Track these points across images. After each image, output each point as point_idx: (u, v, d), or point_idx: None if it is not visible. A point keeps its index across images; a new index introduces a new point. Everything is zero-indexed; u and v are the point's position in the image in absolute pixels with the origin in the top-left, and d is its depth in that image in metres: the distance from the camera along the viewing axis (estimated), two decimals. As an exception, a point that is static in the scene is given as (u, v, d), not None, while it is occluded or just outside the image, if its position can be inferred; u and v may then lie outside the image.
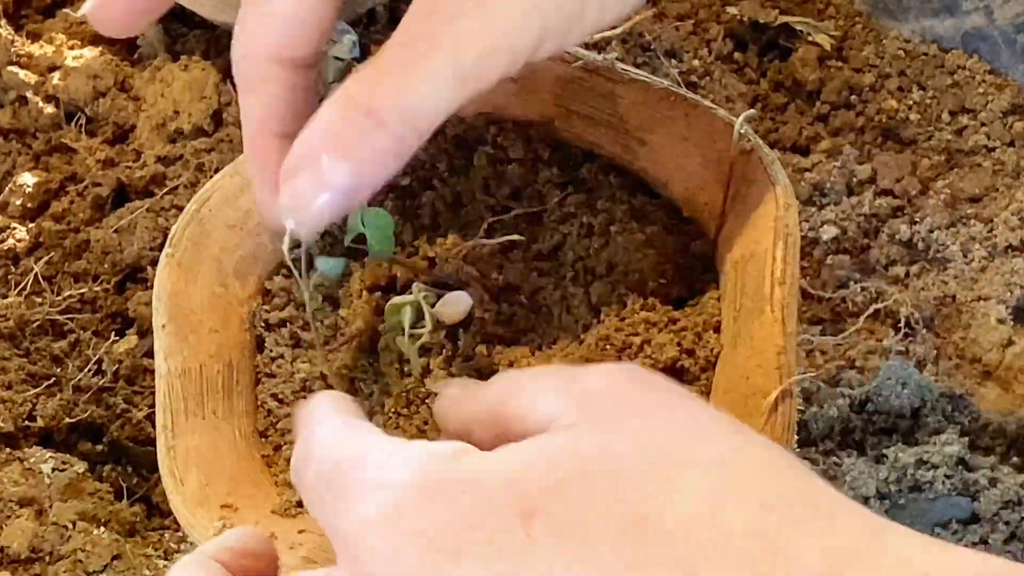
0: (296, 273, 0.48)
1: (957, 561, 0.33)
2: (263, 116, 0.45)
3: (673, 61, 0.74)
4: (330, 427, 0.40)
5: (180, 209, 0.64)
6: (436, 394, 0.50)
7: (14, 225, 0.71)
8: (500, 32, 0.43)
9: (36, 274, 0.68)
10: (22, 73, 0.75)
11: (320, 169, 0.42)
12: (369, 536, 0.36)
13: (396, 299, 0.49)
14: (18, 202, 0.71)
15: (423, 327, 0.49)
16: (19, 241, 0.70)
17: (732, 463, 0.36)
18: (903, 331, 0.64)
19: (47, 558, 0.58)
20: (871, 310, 0.64)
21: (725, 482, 0.35)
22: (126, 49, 0.78)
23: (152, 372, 0.55)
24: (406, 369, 0.52)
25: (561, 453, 0.36)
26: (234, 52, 0.47)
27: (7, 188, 0.72)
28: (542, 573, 0.33)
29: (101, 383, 0.65)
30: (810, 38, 0.74)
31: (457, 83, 0.43)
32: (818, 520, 0.34)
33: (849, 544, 0.34)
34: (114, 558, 0.58)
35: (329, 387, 0.53)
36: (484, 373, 0.51)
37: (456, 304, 0.49)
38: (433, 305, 0.50)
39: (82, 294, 0.68)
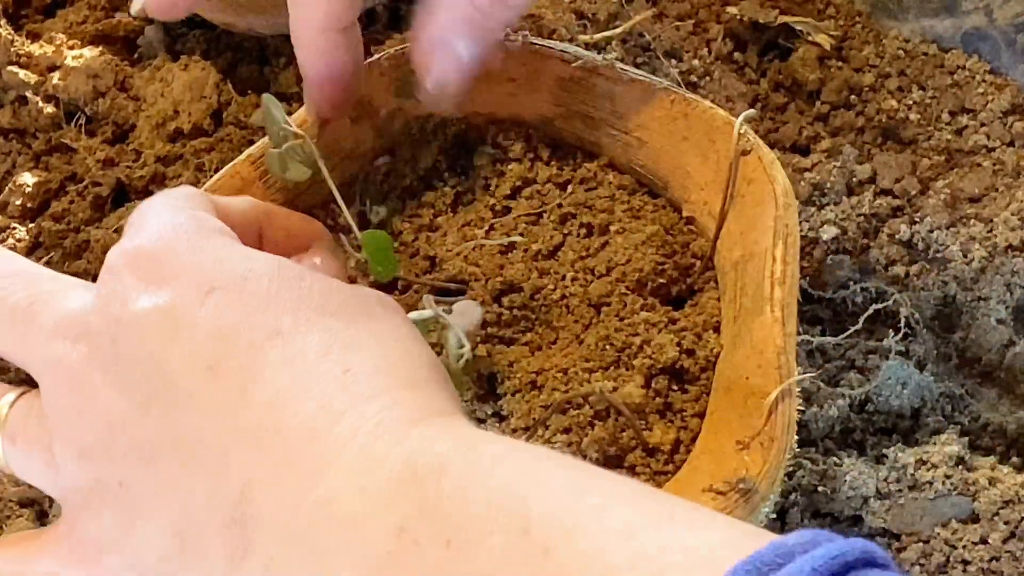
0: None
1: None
2: (333, 13, 0.53)
3: (673, 61, 0.74)
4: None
5: (180, 209, 0.64)
6: (461, 388, 0.51)
7: (14, 225, 0.71)
8: None
9: (36, 274, 0.68)
10: (22, 73, 0.75)
11: (456, 51, 0.51)
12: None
13: (412, 315, 0.49)
14: (18, 202, 0.71)
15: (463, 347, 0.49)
16: (19, 241, 0.70)
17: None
18: (903, 331, 0.64)
19: (47, 558, 0.58)
20: (871, 310, 0.64)
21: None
22: (126, 49, 0.78)
23: (152, 372, 0.55)
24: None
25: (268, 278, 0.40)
26: (292, 26, 0.54)
27: (7, 188, 0.72)
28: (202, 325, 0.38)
29: (101, 383, 0.65)
30: (810, 38, 0.74)
31: None
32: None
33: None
34: (114, 558, 0.58)
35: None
36: (484, 373, 0.51)
37: (469, 315, 0.49)
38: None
39: (82, 294, 0.68)
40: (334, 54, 0.53)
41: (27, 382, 0.44)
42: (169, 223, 0.41)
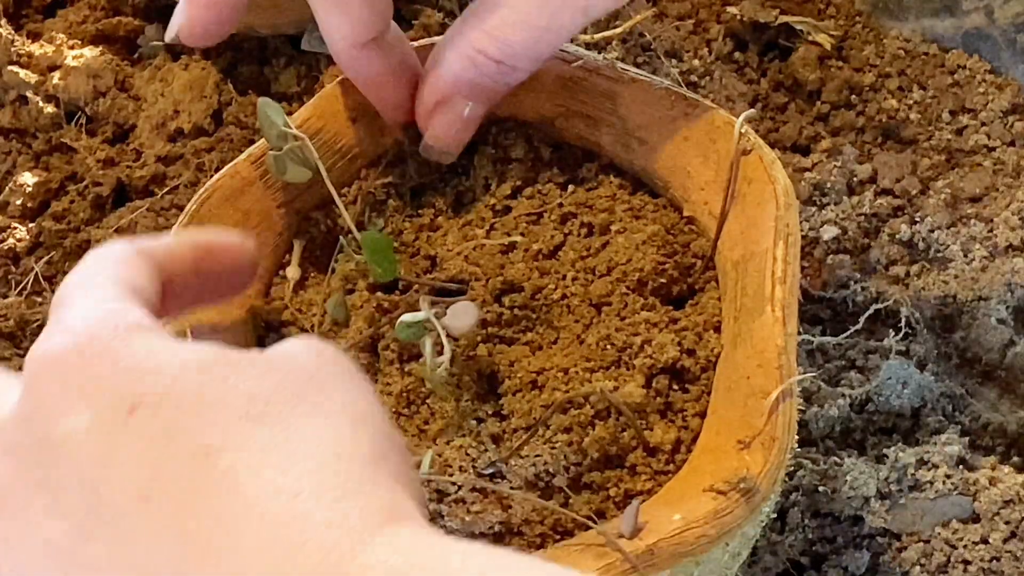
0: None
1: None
2: (356, 31, 0.53)
3: (673, 61, 0.74)
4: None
5: (180, 209, 0.64)
6: (439, 393, 0.50)
7: (14, 225, 0.71)
8: None
9: (36, 274, 0.68)
10: (22, 73, 0.75)
11: (458, 111, 0.54)
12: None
13: (406, 317, 0.49)
14: (18, 202, 0.71)
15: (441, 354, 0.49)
16: (19, 241, 0.70)
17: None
18: (903, 331, 0.64)
19: (47, 558, 0.58)
20: (871, 310, 0.64)
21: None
22: (126, 49, 0.78)
23: (152, 372, 0.55)
24: (406, 369, 0.52)
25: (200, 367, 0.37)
26: (330, 46, 0.55)
27: (7, 188, 0.72)
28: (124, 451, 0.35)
29: (101, 383, 0.65)
30: (810, 38, 0.74)
31: (582, 22, 0.53)
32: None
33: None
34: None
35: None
36: (484, 373, 0.51)
37: (465, 316, 0.49)
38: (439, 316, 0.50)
39: (82, 294, 0.68)
40: (366, 67, 0.54)
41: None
42: (86, 321, 0.38)
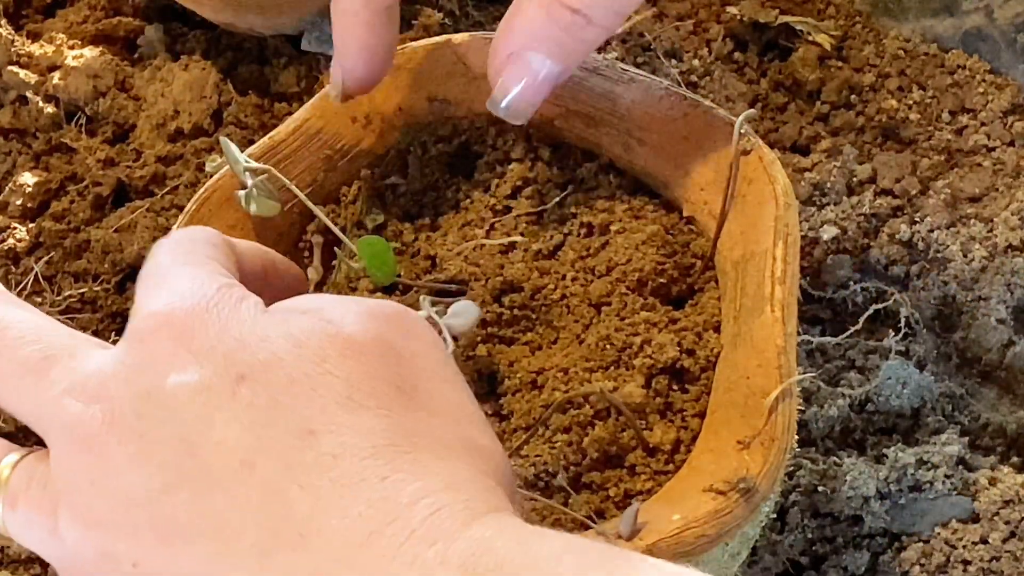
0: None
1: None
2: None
3: (673, 61, 0.74)
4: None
5: (180, 209, 0.64)
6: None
7: (14, 225, 0.71)
8: None
9: (36, 274, 0.68)
10: (22, 73, 0.75)
11: (532, 66, 0.49)
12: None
13: None
14: (18, 202, 0.71)
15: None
16: (19, 241, 0.70)
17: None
18: (903, 331, 0.64)
19: (47, 558, 0.58)
20: (871, 310, 0.64)
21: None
22: (126, 49, 0.78)
23: (152, 372, 0.55)
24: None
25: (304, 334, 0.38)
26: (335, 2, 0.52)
27: (7, 188, 0.72)
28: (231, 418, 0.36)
29: (101, 383, 0.65)
30: (810, 38, 0.74)
31: None
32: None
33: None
34: (114, 558, 0.58)
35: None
36: (484, 373, 0.51)
37: (465, 315, 0.49)
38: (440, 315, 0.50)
39: (82, 294, 0.68)
40: (374, 30, 0.52)
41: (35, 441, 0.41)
42: (195, 286, 0.39)
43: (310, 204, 0.54)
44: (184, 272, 0.40)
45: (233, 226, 0.55)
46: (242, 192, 0.53)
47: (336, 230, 0.54)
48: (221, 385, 0.36)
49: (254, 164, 0.53)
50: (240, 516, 0.35)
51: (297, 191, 0.54)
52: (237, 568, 0.35)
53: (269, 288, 0.43)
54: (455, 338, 0.50)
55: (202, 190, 0.55)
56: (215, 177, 0.55)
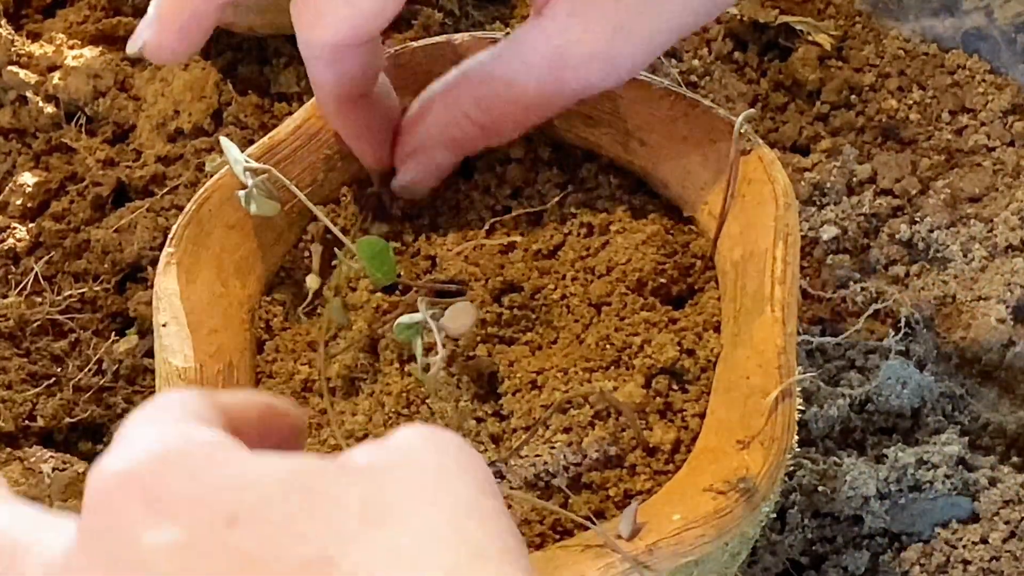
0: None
1: None
2: (344, 88, 0.53)
3: (673, 61, 0.74)
4: None
5: (180, 209, 0.64)
6: (433, 394, 0.50)
7: (14, 225, 0.71)
8: None
9: (36, 274, 0.68)
10: (22, 73, 0.75)
11: (434, 159, 0.54)
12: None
13: (404, 318, 0.49)
14: (18, 202, 0.71)
15: (434, 352, 0.49)
16: (19, 241, 0.70)
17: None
18: (903, 331, 0.64)
19: (47, 558, 0.58)
20: (871, 310, 0.64)
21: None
22: (126, 49, 0.78)
23: (152, 372, 0.55)
24: (406, 369, 0.52)
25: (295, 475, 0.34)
26: (301, 36, 0.52)
27: (7, 188, 0.72)
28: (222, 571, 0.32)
29: (101, 383, 0.65)
30: (810, 38, 0.74)
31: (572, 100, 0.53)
32: None
33: None
34: (114, 558, 0.58)
35: (331, 390, 0.52)
36: (484, 373, 0.51)
37: (463, 316, 0.49)
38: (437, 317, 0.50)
39: (82, 294, 0.68)
40: (352, 120, 0.54)
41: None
42: (163, 439, 0.35)
43: (310, 204, 0.54)
44: (149, 428, 0.36)
45: (233, 226, 0.55)
46: (242, 192, 0.53)
47: (336, 230, 0.54)
48: (210, 532, 0.32)
49: (254, 164, 0.53)
50: None
51: (297, 191, 0.54)
52: None
53: (268, 436, 0.40)
54: (454, 339, 0.50)
55: (202, 190, 0.55)
56: (215, 177, 0.55)
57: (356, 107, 0.54)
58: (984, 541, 0.59)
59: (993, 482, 0.61)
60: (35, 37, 0.78)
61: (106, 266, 0.68)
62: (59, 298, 0.67)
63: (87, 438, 0.65)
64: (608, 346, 0.51)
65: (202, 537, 0.32)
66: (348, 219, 0.57)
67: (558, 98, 0.52)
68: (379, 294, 0.54)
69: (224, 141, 0.53)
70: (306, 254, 0.56)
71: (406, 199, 0.56)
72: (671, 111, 0.56)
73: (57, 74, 0.75)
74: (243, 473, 0.34)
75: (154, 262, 0.66)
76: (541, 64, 0.51)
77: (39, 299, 0.68)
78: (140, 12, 0.78)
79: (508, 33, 0.56)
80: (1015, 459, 0.63)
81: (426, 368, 0.49)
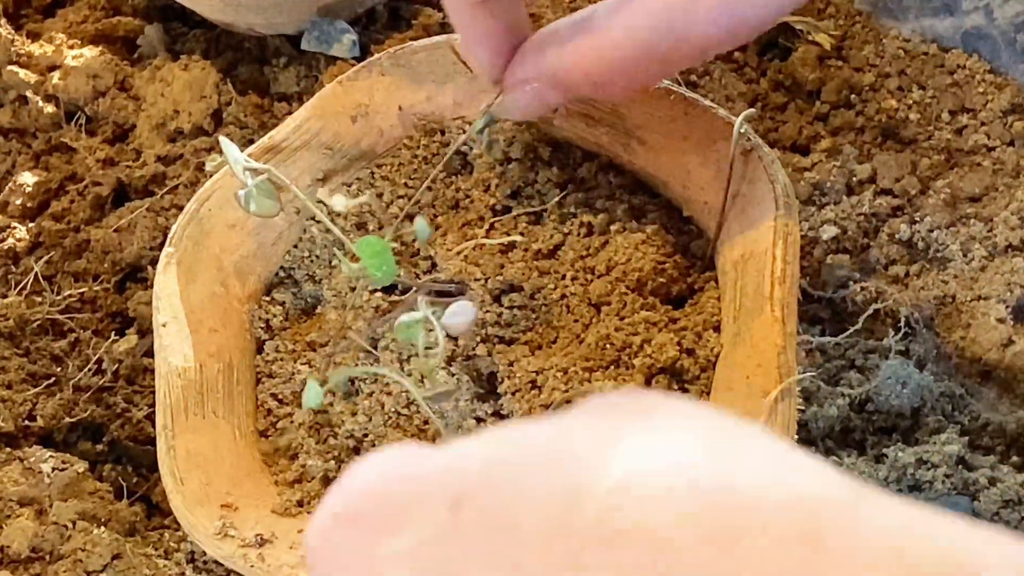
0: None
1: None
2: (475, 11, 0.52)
3: (673, 61, 0.74)
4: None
5: (180, 209, 0.64)
6: (435, 394, 0.50)
7: (14, 225, 0.71)
8: None
9: (36, 274, 0.68)
10: (22, 73, 0.75)
11: (545, 96, 0.52)
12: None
13: (404, 318, 0.49)
14: (18, 202, 0.71)
15: (436, 346, 0.49)
16: (19, 241, 0.70)
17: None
18: (903, 331, 0.64)
19: (47, 558, 0.58)
20: (871, 310, 0.64)
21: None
22: (126, 49, 0.78)
23: (152, 372, 0.55)
24: (406, 369, 0.52)
25: (504, 439, 0.32)
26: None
27: (7, 188, 0.72)
28: (462, 556, 0.30)
29: (101, 383, 0.65)
30: (810, 38, 0.74)
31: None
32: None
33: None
34: (114, 558, 0.58)
35: (330, 390, 0.53)
36: (484, 373, 0.51)
37: (463, 315, 0.49)
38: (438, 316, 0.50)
39: (82, 294, 0.68)
40: (481, 23, 0.52)
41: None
42: (354, 480, 0.33)
43: (310, 204, 0.54)
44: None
45: (233, 226, 0.56)
46: (242, 192, 0.53)
47: (336, 230, 0.54)
48: (443, 522, 0.30)
49: (254, 164, 0.53)
50: None
51: (297, 191, 0.54)
52: None
53: None
54: (454, 339, 0.50)
55: (202, 190, 0.55)
56: (215, 177, 0.55)
57: (485, 7, 0.52)
58: (984, 541, 0.59)
59: (993, 482, 0.61)
60: (35, 37, 0.78)
61: (106, 266, 0.68)
62: (59, 298, 0.67)
63: (87, 438, 0.65)
64: (608, 346, 0.51)
65: (437, 527, 0.30)
66: (348, 219, 0.57)
67: (675, 54, 0.50)
68: (379, 294, 0.54)
69: (224, 141, 0.53)
70: (306, 254, 0.57)
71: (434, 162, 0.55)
72: (671, 111, 0.56)
73: (57, 74, 0.75)
74: (442, 463, 0.32)
75: (154, 262, 0.66)
76: (661, 15, 0.49)
77: (39, 299, 0.68)
78: (140, 12, 0.78)
79: None
80: (1015, 459, 0.63)
81: (429, 361, 0.49)
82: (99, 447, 0.64)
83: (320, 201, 0.56)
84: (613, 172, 0.57)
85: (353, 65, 0.61)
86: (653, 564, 0.28)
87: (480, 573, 0.30)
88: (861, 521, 0.28)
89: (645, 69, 0.50)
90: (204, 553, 0.57)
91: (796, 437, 0.48)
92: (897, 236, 0.68)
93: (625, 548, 0.28)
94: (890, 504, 0.29)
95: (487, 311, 0.52)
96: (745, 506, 0.28)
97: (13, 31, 0.77)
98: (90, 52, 0.76)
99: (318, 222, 0.55)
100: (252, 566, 0.48)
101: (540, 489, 0.30)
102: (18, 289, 0.68)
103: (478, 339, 0.51)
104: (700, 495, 0.28)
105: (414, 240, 0.56)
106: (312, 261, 0.57)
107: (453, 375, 0.50)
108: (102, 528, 0.59)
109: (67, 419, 0.64)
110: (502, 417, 0.50)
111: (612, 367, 0.51)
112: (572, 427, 0.31)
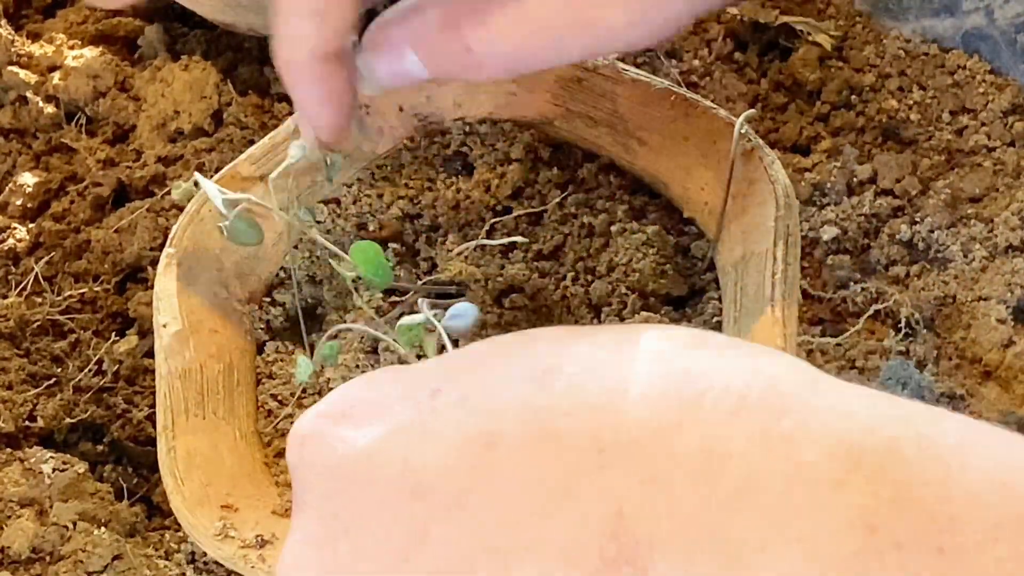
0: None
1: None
2: (326, 38, 0.47)
3: (673, 61, 0.74)
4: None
5: (180, 209, 0.64)
6: None
7: (14, 225, 0.71)
8: None
9: (36, 274, 0.68)
10: (22, 73, 0.75)
11: (403, 60, 0.46)
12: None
13: (405, 320, 0.49)
14: (18, 202, 0.71)
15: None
16: (19, 241, 0.70)
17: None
18: (903, 331, 0.64)
19: (47, 558, 0.58)
20: (871, 310, 0.64)
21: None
22: (126, 49, 0.78)
23: (152, 372, 0.55)
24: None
25: (474, 346, 0.36)
26: (278, 55, 0.48)
27: (7, 188, 0.72)
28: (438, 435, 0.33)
29: (101, 383, 0.65)
30: (810, 38, 0.74)
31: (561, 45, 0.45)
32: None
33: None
34: (115, 558, 0.58)
35: (329, 389, 0.52)
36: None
37: (464, 316, 0.49)
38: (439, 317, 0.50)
39: (82, 294, 0.68)
40: (324, 81, 0.46)
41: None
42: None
43: (302, 217, 0.53)
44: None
45: (233, 226, 0.55)
46: (223, 224, 0.52)
47: (328, 244, 0.52)
48: (472, 453, 0.32)
49: (232, 195, 0.51)
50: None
51: (279, 213, 0.52)
52: (570, 504, 0.31)
53: None
54: (455, 341, 0.50)
55: (202, 190, 0.55)
56: (215, 178, 0.55)
57: (332, 65, 0.46)
58: (984, 541, 0.59)
59: (993, 482, 0.60)
60: (35, 37, 0.78)
61: (106, 266, 0.68)
62: (59, 298, 0.67)
63: (87, 438, 0.64)
64: (608, 347, 0.51)
65: (466, 456, 0.32)
66: (348, 219, 0.57)
67: (571, 42, 0.45)
68: (379, 295, 0.54)
69: (199, 178, 0.52)
70: (306, 253, 0.57)
71: (429, 163, 0.53)
72: (671, 111, 0.56)
73: (57, 74, 0.75)
74: (422, 365, 0.35)
75: (154, 262, 0.66)
76: None
77: (39, 299, 0.67)
78: (140, 12, 0.78)
79: None
80: (1015, 459, 0.63)
81: None
82: (99, 448, 0.64)
83: (310, 212, 0.56)
84: (614, 173, 0.57)
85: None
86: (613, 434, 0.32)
87: (453, 451, 0.32)
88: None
89: (532, 51, 0.45)
90: (205, 554, 0.57)
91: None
92: (898, 237, 0.68)
93: (588, 421, 0.32)
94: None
95: (488, 312, 0.52)
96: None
97: (13, 31, 0.77)
98: (90, 52, 0.75)
99: (312, 233, 0.55)
100: (252, 567, 0.48)
101: (515, 373, 0.32)
102: (18, 290, 0.68)
103: (479, 340, 0.51)
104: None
105: (414, 241, 0.56)
106: (312, 262, 0.57)
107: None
108: (103, 529, 0.59)
109: (67, 420, 0.64)
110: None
111: (612, 368, 0.51)
112: (537, 335, 0.35)
